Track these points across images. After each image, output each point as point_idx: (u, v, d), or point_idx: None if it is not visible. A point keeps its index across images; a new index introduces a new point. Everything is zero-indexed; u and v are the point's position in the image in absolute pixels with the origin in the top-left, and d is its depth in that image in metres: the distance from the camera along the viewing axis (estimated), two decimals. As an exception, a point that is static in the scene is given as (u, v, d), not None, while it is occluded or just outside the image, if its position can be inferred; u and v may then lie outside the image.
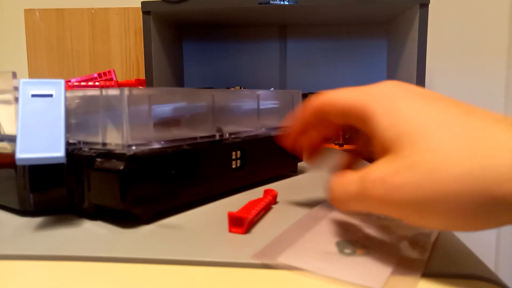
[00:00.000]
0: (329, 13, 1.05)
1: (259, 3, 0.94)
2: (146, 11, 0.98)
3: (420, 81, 0.93)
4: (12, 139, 0.28)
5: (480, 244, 1.20)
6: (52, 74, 1.32)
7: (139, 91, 0.26)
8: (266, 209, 0.28)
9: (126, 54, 1.30)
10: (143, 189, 0.25)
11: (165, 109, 0.28)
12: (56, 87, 0.25)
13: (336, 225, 0.25)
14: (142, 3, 0.98)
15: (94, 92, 0.27)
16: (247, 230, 0.24)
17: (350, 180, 0.20)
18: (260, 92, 0.36)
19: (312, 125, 0.26)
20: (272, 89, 0.97)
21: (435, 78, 1.25)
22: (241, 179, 0.34)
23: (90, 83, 0.40)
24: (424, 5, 0.90)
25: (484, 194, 0.16)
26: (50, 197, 0.28)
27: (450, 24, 1.24)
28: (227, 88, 1.17)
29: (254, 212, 0.25)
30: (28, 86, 0.25)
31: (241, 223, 0.24)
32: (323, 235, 0.23)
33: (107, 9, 1.30)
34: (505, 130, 0.17)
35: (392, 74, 1.16)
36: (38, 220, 0.27)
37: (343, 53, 1.23)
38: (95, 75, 0.45)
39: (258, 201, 0.28)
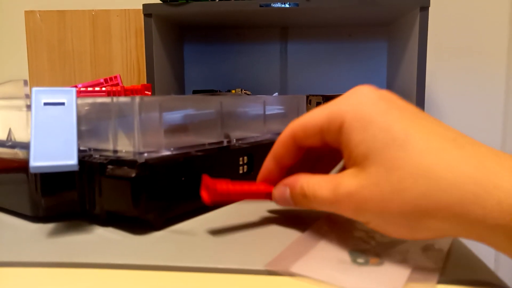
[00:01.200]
0: (330, 15, 1.06)
1: (261, 6, 0.94)
2: (147, 13, 0.98)
3: (421, 83, 0.94)
4: (23, 146, 0.28)
5: (480, 246, 1.21)
6: (53, 75, 1.32)
7: (150, 98, 0.27)
8: (258, 196, 0.26)
9: (127, 55, 1.30)
10: (154, 196, 0.26)
11: (174, 116, 0.28)
12: (68, 96, 0.26)
13: (348, 234, 0.25)
14: (144, 5, 0.98)
15: (105, 99, 0.28)
16: (213, 201, 0.24)
17: (321, 186, 0.22)
18: (266, 97, 0.37)
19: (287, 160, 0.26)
20: (276, 94, 0.98)
21: (435, 80, 1.26)
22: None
23: (97, 89, 0.41)
24: (425, 8, 0.91)
25: (428, 215, 0.18)
26: (62, 202, 0.28)
27: (450, 26, 1.24)
28: (228, 90, 1.17)
29: (230, 187, 0.24)
30: (41, 95, 0.25)
31: (207, 190, 0.24)
32: (336, 244, 0.23)
33: (108, 11, 1.30)
34: (459, 160, 0.18)
35: (392, 76, 1.17)
36: (49, 226, 0.27)
37: (344, 55, 1.24)
38: (101, 80, 0.46)
39: (252, 183, 0.26)
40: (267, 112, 0.37)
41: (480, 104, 1.25)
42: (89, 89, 0.42)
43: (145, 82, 1.03)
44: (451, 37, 1.24)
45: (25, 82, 0.28)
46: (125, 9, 1.29)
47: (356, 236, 0.24)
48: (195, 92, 1.18)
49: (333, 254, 0.22)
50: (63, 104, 0.25)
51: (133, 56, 1.30)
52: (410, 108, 0.21)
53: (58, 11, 1.31)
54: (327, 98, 1.04)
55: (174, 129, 0.29)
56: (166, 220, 0.27)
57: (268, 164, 0.26)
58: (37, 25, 1.31)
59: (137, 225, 0.27)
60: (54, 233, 0.26)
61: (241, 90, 1.11)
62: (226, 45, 1.28)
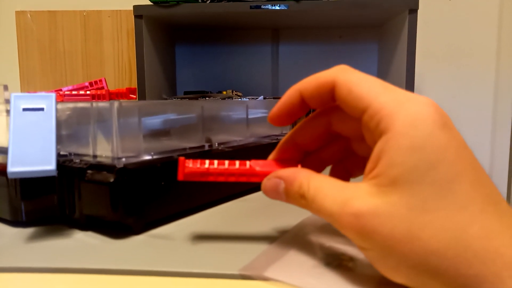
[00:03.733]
0: (320, 17, 1.06)
1: (251, 7, 0.94)
2: (138, 14, 0.98)
3: (410, 84, 0.94)
4: (3, 151, 0.28)
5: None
6: (44, 75, 1.31)
7: (129, 103, 0.27)
8: (240, 178, 0.23)
9: (119, 56, 1.30)
10: (134, 200, 0.26)
11: (155, 121, 0.29)
12: (47, 101, 0.26)
13: (324, 237, 0.25)
14: (134, 6, 0.98)
15: (85, 104, 0.28)
16: (183, 176, 0.23)
17: (327, 194, 0.19)
18: (249, 101, 0.37)
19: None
20: (262, 97, 0.98)
21: (424, 81, 1.27)
22: (231, 188, 0.35)
23: (81, 92, 0.41)
24: (413, 11, 0.91)
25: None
26: (42, 206, 0.28)
27: (439, 29, 1.25)
28: (219, 91, 1.17)
29: (203, 163, 0.23)
30: (20, 100, 0.25)
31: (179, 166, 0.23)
32: (313, 247, 0.24)
33: (99, 11, 1.30)
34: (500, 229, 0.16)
35: (382, 77, 1.17)
36: (29, 230, 0.27)
37: (335, 57, 1.24)
38: (86, 83, 0.46)
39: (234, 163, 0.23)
40: (250, 116, 0.37)
41: (469, 106, 1.27)
42: (74, 92, 0.43)
43: (136, 84, 1.02)
44: (440, 39, 1.25)
45: (5, 87, 0.28)
46: (116, 10, 1.29)
47: (332, 239, 0.25)
48: (186, 93, 1.18)
49: (308, 258, 0.22)
50: (42, 109, 0.26)
51: (124, 57, 1.29)
52: (470, 153, 0.17)
53: (49, 11, 1.30)
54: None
55: (155, 134, 0.29)
56: (145, 225, 0.27)
57: (283, 139, 0.23)
58: (28, 25, 1.31)
59: (116, 229, 0.27)
60: (34, 237, 0.26)
61: (233, 92, 1.11)
62: (218, 46, 1.28)
